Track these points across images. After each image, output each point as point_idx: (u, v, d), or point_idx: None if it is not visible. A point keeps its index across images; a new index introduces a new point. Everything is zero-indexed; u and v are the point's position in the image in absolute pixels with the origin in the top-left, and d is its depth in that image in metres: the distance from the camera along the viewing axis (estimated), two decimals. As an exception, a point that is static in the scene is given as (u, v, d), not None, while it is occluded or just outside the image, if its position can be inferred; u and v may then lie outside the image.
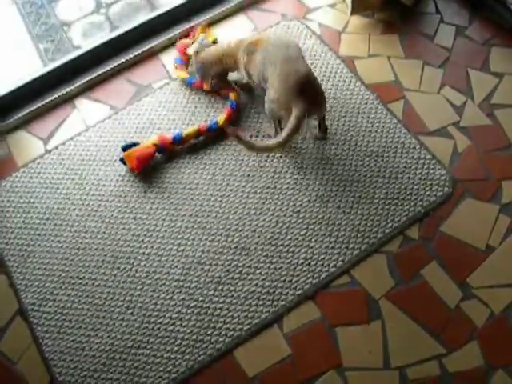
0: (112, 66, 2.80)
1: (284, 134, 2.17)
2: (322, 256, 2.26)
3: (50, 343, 2.17)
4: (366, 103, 2.62)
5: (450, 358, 2.07)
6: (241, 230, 2.33)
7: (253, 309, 2.18)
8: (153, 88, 2.76)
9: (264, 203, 2.39)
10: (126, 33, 2.85)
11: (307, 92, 2.18)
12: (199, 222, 2.36)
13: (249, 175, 2.46)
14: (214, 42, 2.67)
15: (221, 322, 2.16)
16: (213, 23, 2.96)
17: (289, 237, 2.31)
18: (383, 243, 2.29)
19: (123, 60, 2.82)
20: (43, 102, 2.72)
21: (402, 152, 2.49)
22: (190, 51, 2.60)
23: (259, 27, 2.92)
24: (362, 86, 2.67)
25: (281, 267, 2.25)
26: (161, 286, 2.24)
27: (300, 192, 2.41)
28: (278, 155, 2.50)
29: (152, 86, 2.77)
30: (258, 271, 2.25)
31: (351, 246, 2.28)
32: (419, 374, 2.05)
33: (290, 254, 2.27)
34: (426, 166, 2.44)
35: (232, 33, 2.89)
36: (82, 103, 2.75)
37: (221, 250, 2.30)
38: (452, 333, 2.11)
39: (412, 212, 2.34)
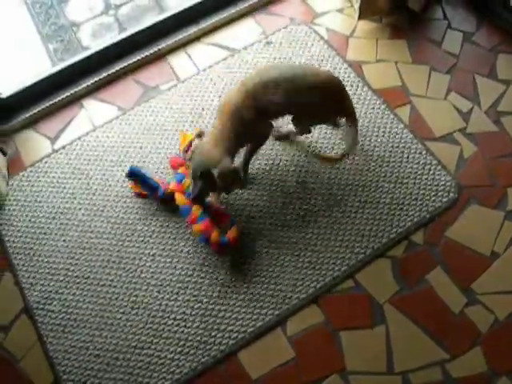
0: (120, 67, 2.82)
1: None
2: (327, 260, 2.27)
3: (55, 342, 2.18)
4: (373, 108, 2.63)
5: (453, 364, 2.07)
6: (246, 233, 2.34)
7: (257, 311, 2.18)
8: (160, 89, 2.77)
9: (269, 206, 2.40)
10: (135, 34, 2.87)
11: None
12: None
13: (254, 179, 2.47)
14: (200, 136, 2.25)
15: (225, 323, 2.17)
16: (220, 26, 2.97)
17: (293, 240, 2.32)
18: (388, 248, 2.29)
19: (131, 61, 2.83)
20: (51, 102, 2.73)
21: (408, 157, 2.49)
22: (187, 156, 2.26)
23: (267, 31, 2.93)
24: (369, 90, 2.68)
25: (285, 270, 2.26)
26: (165, 286, 2.25)
27: (306, 196, 2.41)
28: (280, 162, 2.51)
29: (159, 87, 2.78)
30: (262, 274, 2.25)
31: (356, 250, 2.28)
32: (422, 379, 2.05)
33: (295, 258, 2.28)
34: (431, 172, 2.45)
35: (240, 36, 2.91)
36: (90, 103, 2.76)
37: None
38: (456, 338, 2.12)
39: (417, 217, 2.34)
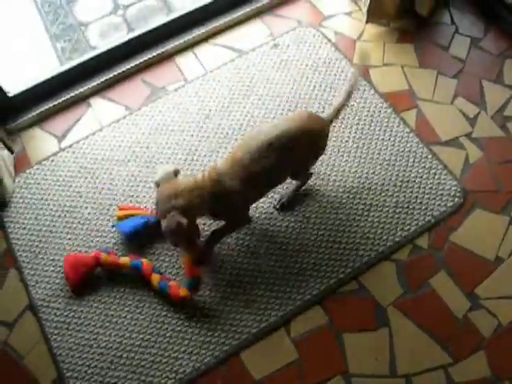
0: (128, 67, 2.83)
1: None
2: (331, 262, 2.27)
3: (59, 339, 2.18)
4: (380, 111, 2.63)
5: (456, 368, 2.07)
6: (251, 234, 2.34)
7: (261, 312, 2.18)
8: (167, 90, 2.78)
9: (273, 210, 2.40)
10: (143, 35, 2.88)
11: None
12: (210, 224, 2.38)
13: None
14: (176, 174, 2.04)
15: (228, 324, 2.17)
16: (228, 28, 2.98)
17: (298, 242, 2.32)
18: (392, 251, 2.30)
19: (139, 61, 2.84)
20: (59, 101, 2.75)
21: (413, 161, 2.49)
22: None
23: (275, 33, 2.93)
24: (375, 94, 2.68)
25: (290, 272, 2.26)
26: (170, 286, 2.26)
27: (311, 198, 2.42)
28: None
29: (167, 88, 2.79)
30: (266, 275, 2.26)
31: (360, 252, 2.29)
32: (425, 382, 2.05)
33: (300, 259, 2.28)
34: (437, 176, 2.45)
35: (248, 38, 2.92)
36: (97, 103, 2.78)
37: (230, 252, 2.31)
38: (459, 343, 2.12)
39: (422, 221, 2.35)
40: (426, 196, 2.41)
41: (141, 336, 2.17)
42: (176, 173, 2.04)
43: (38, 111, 2.73)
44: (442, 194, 2.41)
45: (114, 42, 2.86)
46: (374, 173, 2.47)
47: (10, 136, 2.67)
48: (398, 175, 2.46)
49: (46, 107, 2.74)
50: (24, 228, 2.43)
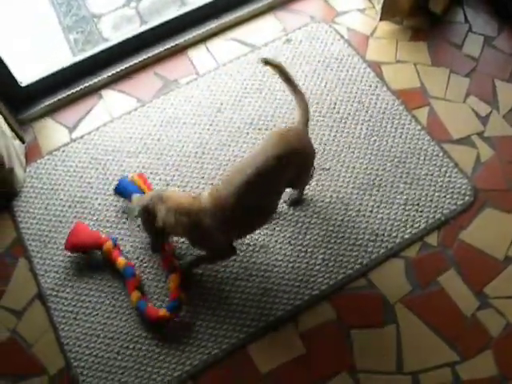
0: (140, 60, 2.83)
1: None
2: (340, 258, 2.27)
3: (67, 328, 2.19)
4: (391, 109, 2.63)
5: (463, 366, 2.07)
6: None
7: (269, 306, 2.19)
8: (179, 83, 2.78)
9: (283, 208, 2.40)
10: (156, 28, 2.87)
11: None
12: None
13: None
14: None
15: (236, 317, 2.17)
16: (241, 22, 2.98)
17: (308, 237, 2.32)
18: (402, 248, 2.29)
19: (151, 54, 2.85)
20: (71, 92, 2.75)
21: (424, 159, 2.49)
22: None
23: (287, 28, 2.93)
24: (387, 91, 2.68)
25: (299, 266, 2.26)
26: (178, 278, 2.26)
27: (321, 193, 2.41)
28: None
29: (179, 81, 2.79)
30: (275, 269, 2.26)
31: (369, 249, 2.29)
32: (432, 379, 2.05)
33: (309, 254, 2.28)
34: (448, 174, 2.44)
35: (260, 33, 2.92)
36: (109, 94, 2.78)
37: (239, 246, 2.30)
38: (467, 341, 2.11)
39: (432, 219, 2.34)
40: (437, 194, 2.40)
41: (148, 327, 2.17)
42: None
43: (49, 102, 2.73)
44: (452, 192, 2.40)
45: (126, 34, 2.85)
46: (384, 169, 2.47)
47: (21, 126, 2.68)
48: (408, 172, 2.45)
49: (58, 98, 2.74)
50: (34, 218, 2.44)
